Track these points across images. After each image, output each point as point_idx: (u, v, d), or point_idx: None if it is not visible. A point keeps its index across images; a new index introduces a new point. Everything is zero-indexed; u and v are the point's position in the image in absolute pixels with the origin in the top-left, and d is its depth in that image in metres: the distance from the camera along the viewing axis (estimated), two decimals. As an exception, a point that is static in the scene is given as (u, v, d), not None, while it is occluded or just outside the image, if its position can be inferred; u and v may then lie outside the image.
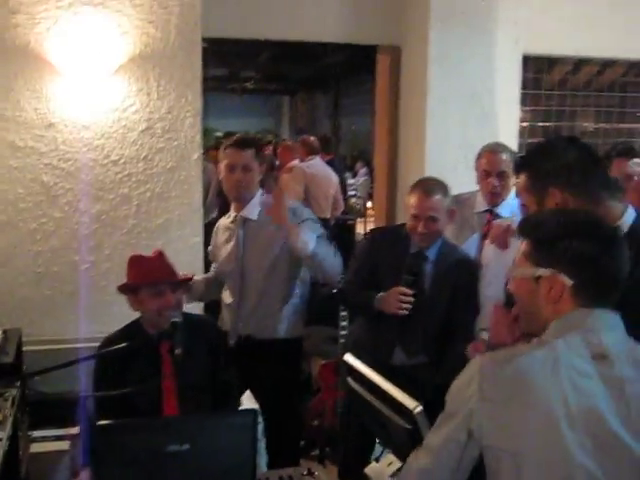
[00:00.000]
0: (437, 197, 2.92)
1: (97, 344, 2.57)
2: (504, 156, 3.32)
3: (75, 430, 3.00)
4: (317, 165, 6.65)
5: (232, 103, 15.60)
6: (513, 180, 3.32)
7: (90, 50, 3.74)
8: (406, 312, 2.86)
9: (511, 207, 3.32)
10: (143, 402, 2.32)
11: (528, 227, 1.68)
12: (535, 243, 1.62)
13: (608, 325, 1.55)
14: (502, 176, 3.30)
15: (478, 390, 1.48)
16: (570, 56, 5.06)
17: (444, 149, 4.28)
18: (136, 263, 2.49)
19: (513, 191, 3.32)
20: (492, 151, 3.36)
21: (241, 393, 2.97)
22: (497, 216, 3.33)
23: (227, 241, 3.21)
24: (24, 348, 3.61)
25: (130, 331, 2.49)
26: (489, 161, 3.32)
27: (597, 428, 1.41)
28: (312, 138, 7.03)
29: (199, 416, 2.01)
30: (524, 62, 4.71)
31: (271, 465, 3.14)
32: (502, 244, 2.92)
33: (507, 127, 4.41)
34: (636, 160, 3.32)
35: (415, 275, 2.94)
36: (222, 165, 3.16)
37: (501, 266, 2.83)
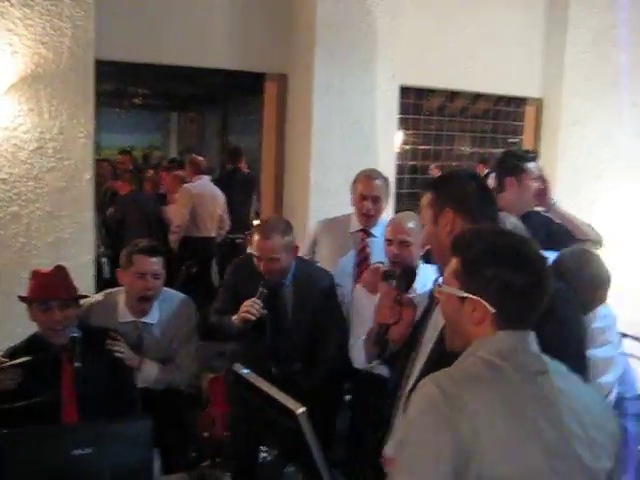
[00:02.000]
0: (275, 238, 3.10)
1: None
2: (378, 182, 3.64)
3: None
4: (204, 185, 6.80)
5: (120, 118, 15.40)
6: (385, 204, 3.66)
7: (-20, 69, 3.76)
8: (252, 317, 3.04)
9: (383, 228, 3.62)
10: (44, 411, 2.41)
11: (460, 245, 1.67)
12: (464, 263, 1.62)
13: (536, 343, 1.59)
14: (376, 200, 3.62)
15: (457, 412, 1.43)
16: (443, 88, 5.52)
17: (327, 173, 4.55)
18: (33, 277, 2.59)
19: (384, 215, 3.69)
20: (368, 177, 3.66)
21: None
22: (371, 234, 3.65)
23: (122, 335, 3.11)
24: None
25: (34, 341, 2.58)
26: (365, 186, 3.62)
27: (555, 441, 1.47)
28: (200, 158, 7.20)
29: (101, 422, 2.13)
30: (405, 89, 5.08)
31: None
32: (372, 289, 3.11)
33: (386, 152, 4.75)
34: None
35: (269, 289, 3.12)
36: (128, 272, 3.13)
37: (370, 308, 3.04)
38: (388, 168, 4.74)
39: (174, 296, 3.39)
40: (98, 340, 2.69)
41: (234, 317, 3.10)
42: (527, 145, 5.86)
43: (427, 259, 3.15)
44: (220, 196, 6.80)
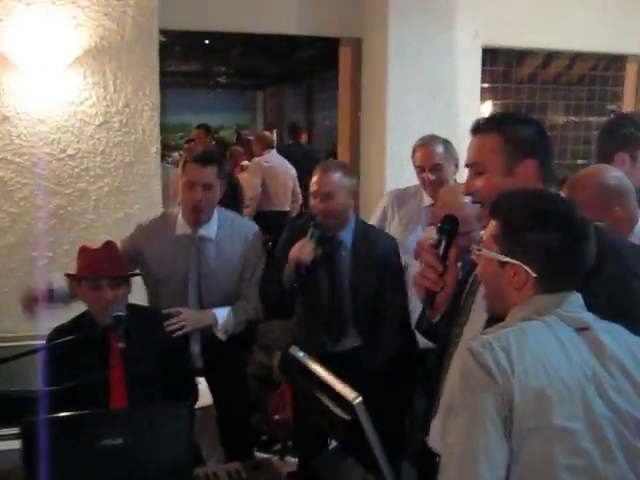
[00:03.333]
0: (334, 174, 2.88)
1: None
2: (437, 149, 3.30)
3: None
4: (273, 158, 6.67)
5: (207, 99, 15.53)
6: (451, 170, 3.32)
7: (45, 42, 3.69)
8: (305, 259, 2.80)
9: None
10: (91, 394, 2.30)
11: (500, 208, 1.60)
12: (504, 228, 1.56)
13: (579, 305, 1.55)
14: (436, 169, 3.28)
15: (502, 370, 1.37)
16: (531, 49, 5.09)
17: (404, 142, 4.26)
18: (82, 254, 2.47)
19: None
20: (424, 145, 3.34)
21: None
22: None
23: (172, 254, 3.01)
24: (-23, 345, 3.59)
25: (80, 321, 2.46)
26: (422, 156, 3.31)
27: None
28: (267, 133, 7.10)
29: (132, 409, 1.99)
30: (493, 56, 4.73)
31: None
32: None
33: (468, 120, 4.40)
34: None
35: (323, 231, 2.88)
36: (181, 181, 2.98)
37: None
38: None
39: (240, 220, 3.26)
40: (147, 320, 2.54)
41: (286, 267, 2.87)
42: (628, 110, 5.37)
43: None
44: (291, 169, 6.65)
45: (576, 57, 5.55)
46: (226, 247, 3.03)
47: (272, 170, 6.49)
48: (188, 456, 1.69)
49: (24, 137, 3.77)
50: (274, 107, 15.81)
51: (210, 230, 3.02)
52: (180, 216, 3.04)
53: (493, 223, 1.59)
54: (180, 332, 2.83)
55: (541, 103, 5.90)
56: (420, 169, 3.32)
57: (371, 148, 4.47)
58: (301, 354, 2.17)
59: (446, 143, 3.36)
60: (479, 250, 1.60)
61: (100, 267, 2.38)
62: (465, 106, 4.38)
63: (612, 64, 5.47)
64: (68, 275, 2.51)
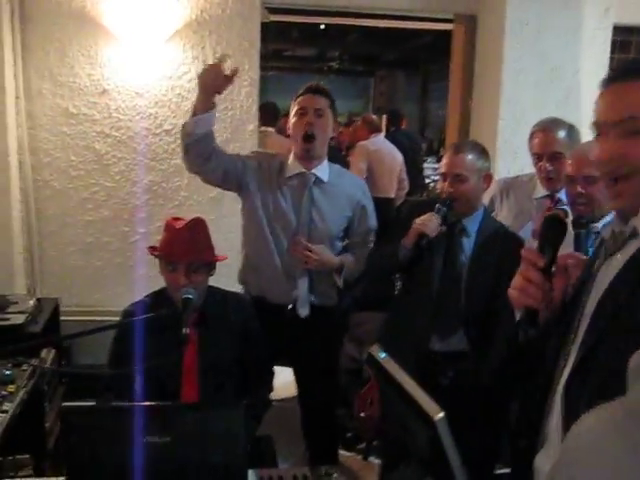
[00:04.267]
0: (467, 155, 2.60)
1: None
2: (559, 135, 2.88)
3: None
4: (380, 142, 6.39)
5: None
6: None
7: (145, 15, 3.62)
8: (430, 231, 2.54)
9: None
10: (162, 379, 2.17)
11: None
12: None
13: None
14: (556, 157, 2.88)
15: None
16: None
17: (518, 130, 3.91)
18: (166, 229, 2.32)
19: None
20: (543, 130, 2.94)
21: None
22: (559, 201, 2.95)
23: (286, 194, 2.85)
24: (65, 318, 3.59)
25: (158, 299, 2.32)
26: (540, 142, 2.92)
27: None
28: (373, 116, 6.81)
29: (183, 407, 1.82)
30: (628, 34, 4.28)
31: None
32: None
33: (591, 110, 4.00)
34: None
35: (448, 212, 2.60)
36: (292, 113, 2.84)
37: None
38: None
39: (348, 172, 3.18)
40: (226, 305, 2.37)
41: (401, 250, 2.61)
42: None
43: None
44: (399, 155, 6.34)
45: None
46: (339, 192, 2.87)
47: (379, 154, 6.22)
48: (241, 459, 1.51)
49: (122, 111, 3.73)
50: (387, 95, 15.53)
51: (323, 171, 2.88)
52: (291, 157, 2.89)
53: None
54: (306, 266, 2.74)
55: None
56: (537, 157, 2.94)
57: (482, 136, 4.14)
58: (383, 355, 1.95)
59: (570, 129, 2.96)
60: None
61: (178, 250, 2.22)
62: (588, 92, 3.96)
63: None
64: (150, 248, 2.37)
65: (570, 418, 1.37)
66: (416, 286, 2.75)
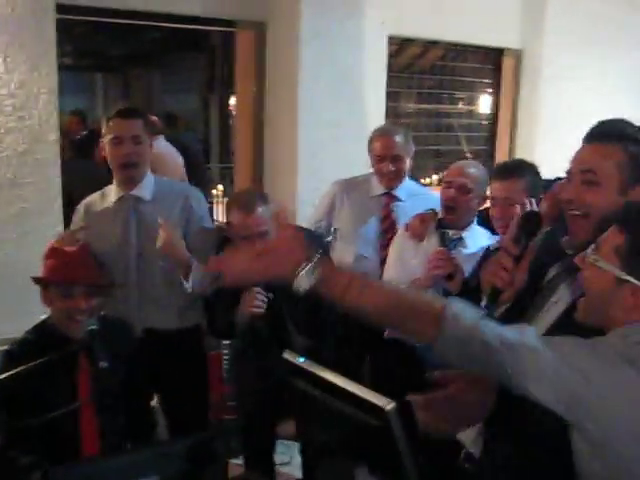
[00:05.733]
0: (259, 209, 2.69)
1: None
2: (397, 139, 3.26)
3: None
4: (162, 146, 6.26)
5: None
6: (408, 162, 3.31)
7: None
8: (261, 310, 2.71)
9: (408, 190, 3.31)
10: (60, 425, 1.99)
11: (633, 220, 1.46)
12: (634, 243, 1.42)
13: None
14: (396, 159, 3.25)
15: None
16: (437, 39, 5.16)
17: (315, 129, 4.20)
18: (52, 255, 2.14)
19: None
20: (384, 134, 3.30)
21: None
22: (396, 198, 3.30)
23: (109, 223, 2.82)
24: None
25: (45, 332, 2.13)
26: (382, 145, 3.26)
27: None
28: (154, 118, 6.62)
29: (167, 443, 1.75)
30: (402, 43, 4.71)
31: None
32: (419, 235, 2.88)
33: (376, 108, 4.42)
34: None
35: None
36: (105, 140, 2.77)
37: (415, 256, 2.84)
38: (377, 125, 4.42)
39: (180, 182, 3.25)
40: (118, 334, 2.26)
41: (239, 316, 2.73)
42: (505, 98, 5.63)
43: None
44: (179, 158, 6.27)
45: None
46: (165, 207, 2.82)
47: (160, 158, 6.06)
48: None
49: None
50: (122, 91, 15.01)
51: (145, 190, 2.83)
52: (114, 182, 2.85)
53: (617, 234, 1.44)
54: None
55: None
56: (379, 159, 3.26)
57: (279, 138, 4.34)
58: (302, 359, 2.04)
59: (405, 133, 3.33)
60: (596, 260, 1.46)
61: (74, 273, 2.07)
62: (373, 93, 4.37)
63: (489, 54, 5.64)
64: (35, 279, 2.16)
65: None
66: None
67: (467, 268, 2.53)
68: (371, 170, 3.39)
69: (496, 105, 5.77)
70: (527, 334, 1.41)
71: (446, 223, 2.82)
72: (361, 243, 3.23)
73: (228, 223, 2.78)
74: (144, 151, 2.80)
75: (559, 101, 5.37)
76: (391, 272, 2.95)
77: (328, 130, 4.20)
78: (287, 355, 2.07)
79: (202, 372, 3.05)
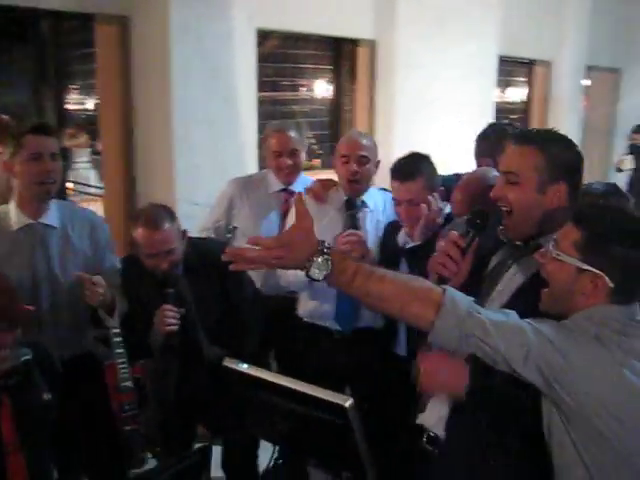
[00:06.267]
0: (166, 225, 2.67)
1: None
2: (292, 134, 3.36)
3: None
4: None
5: None
6: (303, 156, 3.42)
7: None
8: (174, 327, 2.69)
9: (304, 184, 3.39)
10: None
11: (587, 217, 1.67)
12: (590, 237, 1.62)
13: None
14: (293, 154, 3.35)
15: None
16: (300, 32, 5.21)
17: (190, 126, 4.14)
18: None
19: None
20: (279, 131, 3.37)
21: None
22: (294, 194, 3.36)
23: (16, 253, 2.61)
24: None
25: None
26: (279, 141, 3.33)
27: None
28: (4, 117, 6.18)
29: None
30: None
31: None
32: (320, 198, 3.05)
33: (248, 102, 4.43)
34: None
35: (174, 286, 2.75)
36: (20, 157, 2.56)
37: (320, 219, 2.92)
38: (250, 122, 4.45)
39: (77, 206, 3.09)
40: (47, 360, 2.12)
41: (153, 336, 2.70)
42: (361, 87, 5.84)
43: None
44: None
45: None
46: (75, 233, 2.72)
47: None
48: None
49: None
50: None
51: (52, 216, 2.67)
52: (13, 209, 2.63)
53: (574, 230, 1.66)
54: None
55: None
56: (277, 154, 3.33)
57: (152, 137, 4.23)
58: (245, 365, 2.04)
59: (296, 127, 3.41)
60: (559, 255, 1.66)
61: None
62: (244, 88, 4.37)
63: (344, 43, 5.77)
64: None
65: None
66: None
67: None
68: (257, 167, 3.46)
69: (338, 91, 5.95)
70: (512, 317, 1.59)
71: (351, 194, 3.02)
72: (265, 239, 3.27)
73: (133, 240, 2.71)
74: (61, 170, 2.69)
75: (411, 88, 5.65)
76: None
77: (203, 127, 4.16)
78: (228, 363, 2.09)
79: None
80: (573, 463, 1.59)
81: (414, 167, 2.74)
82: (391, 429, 2.58)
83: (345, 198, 3.02)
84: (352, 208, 2.99)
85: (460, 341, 1.60)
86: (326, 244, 1.64)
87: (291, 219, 3.01)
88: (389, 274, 1.71)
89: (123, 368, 3.64)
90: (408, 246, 2.69)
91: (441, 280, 1.91)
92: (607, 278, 1.62)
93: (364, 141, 3.01)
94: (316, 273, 1.64)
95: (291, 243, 1.63)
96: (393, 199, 2.80)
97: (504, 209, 1.89)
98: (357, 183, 2.98)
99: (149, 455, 3.02)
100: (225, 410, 2.69)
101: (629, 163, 8.77)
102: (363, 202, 3.05)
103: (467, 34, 5.86)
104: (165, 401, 2.88)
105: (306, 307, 3.07)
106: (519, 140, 1.91)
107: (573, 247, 1.65)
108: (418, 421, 2.11)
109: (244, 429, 2.48)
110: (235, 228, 3.39)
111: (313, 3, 4.95)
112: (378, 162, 3.07)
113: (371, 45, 5.69)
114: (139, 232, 2.64)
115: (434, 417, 2.05)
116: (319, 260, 1.61)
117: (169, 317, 2.63)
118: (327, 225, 2.88)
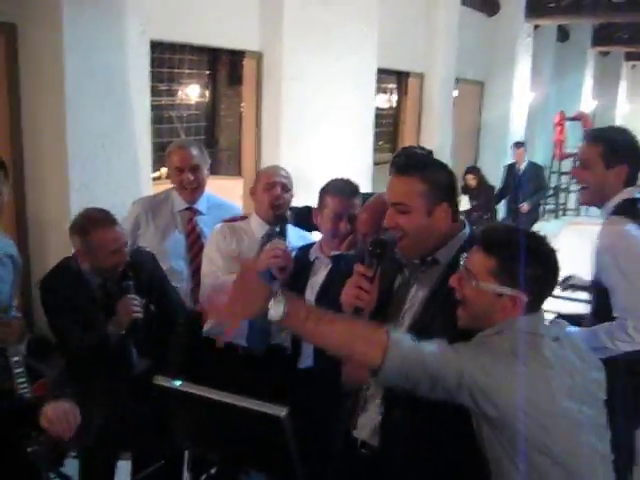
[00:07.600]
0: (117, 226, 2.85)
1: None
2: (193, 151, 3.37)
3: None
4: None
5: None
6: (206, 173, 3.43)
7: None
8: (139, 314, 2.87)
9: (208, 202, 3.43)
10: None
11: (496, 247, 1.85)
12: (503, 264, 1.82)
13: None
14: (196, 169, 3.36)
15: None
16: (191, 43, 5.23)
17: (84, 140, 4.07)
18: None
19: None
20: (181, 146, 3.39)
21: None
22: (198, 212, 3.40)
23: None
24: None
25: None
26: (181, 157, 3.34)
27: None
28: None
29: None
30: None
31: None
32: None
33: (141, 115, 4.40)
34: None
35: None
36: None
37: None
38: (144, 135, 4.43)
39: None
40: None
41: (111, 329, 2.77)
42: (248, 98, 5.93)
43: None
44: None
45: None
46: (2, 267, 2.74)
47: None
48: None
49: None
50: None
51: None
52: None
53: (486, 258, 1.85)
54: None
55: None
56: (179, 170, 3.32)
57: (43, 152, 4.09)
58: (179, 382, 2.09)
59: (199, 145, 3.44)
60: (478, 285, 1.84)
61: None
62: (137, 100, 4.33)
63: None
64: None
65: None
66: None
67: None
68: (151, 182, 3.47)
69: (213, 96, 6.03)
70: (441, 347, 1.75)
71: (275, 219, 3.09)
72: (171, 258, 3.29)
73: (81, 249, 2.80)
74: None
75: (296, 101, 5.82)
76: (211, 266, 3.05)
77: (96, 141, 4.09)
78: (160, 381, 2.14)
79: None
80: (502, 457, 1.78)
81: (355, 187, 2.93)
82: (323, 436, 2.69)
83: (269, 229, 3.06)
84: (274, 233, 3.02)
85: (406, 378, 1.74)
86: (274, 288, 1.78)
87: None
88: (338, 317, 1.84)
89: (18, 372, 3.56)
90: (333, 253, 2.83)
91: (356, 310, 2.06)
92: (524, 296, 1.83)
93: (282, 172, 3.17)
94: (273, 317, 1.76)
95: (243, 296, 1.76)
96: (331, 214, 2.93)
97: (398, 235, 2.09)
98: (279, 208, 3.06)
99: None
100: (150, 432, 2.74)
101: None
102: (281, 230, 3.07)
103: (349, 48, 6.09)
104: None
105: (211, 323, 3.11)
106: (401, 171, 2.10)
107: (489, 275, 1.84)
108: (355, 434, 2.25)
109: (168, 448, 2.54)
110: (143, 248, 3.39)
111: (205, 15, 5.00)
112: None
113: (258, 57, 5.81)
114: (98, 233, 2.72)
115: (368, 430, 2.19)
116: (272, 304, 1.74)
117: (134, 305, 2.74)
118: (248, 246, 2.96)
